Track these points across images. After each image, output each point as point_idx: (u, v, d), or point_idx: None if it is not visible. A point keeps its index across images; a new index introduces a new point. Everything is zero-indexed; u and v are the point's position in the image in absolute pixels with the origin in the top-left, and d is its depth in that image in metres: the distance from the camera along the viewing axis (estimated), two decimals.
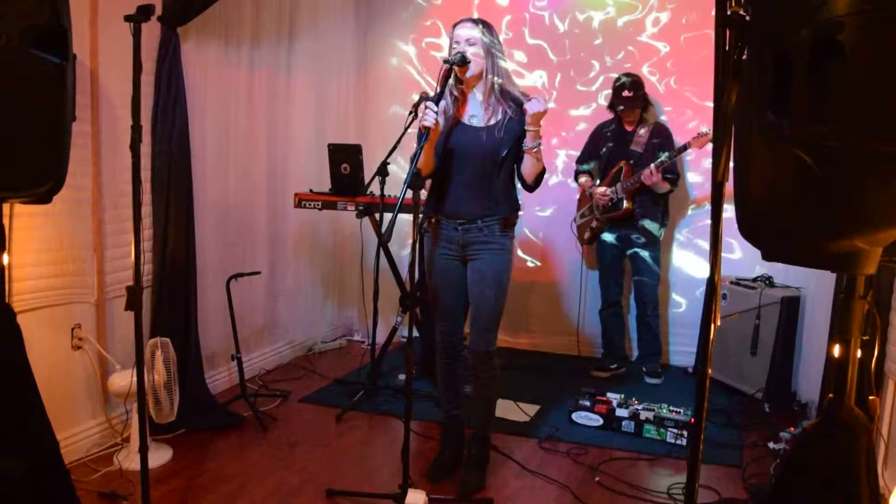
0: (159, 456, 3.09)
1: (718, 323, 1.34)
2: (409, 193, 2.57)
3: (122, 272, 3.22)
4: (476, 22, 2.82)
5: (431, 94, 2.80)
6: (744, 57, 1.29)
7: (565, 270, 4.97)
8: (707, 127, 4.07)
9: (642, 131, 4.30)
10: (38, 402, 2.14)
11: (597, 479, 3.06)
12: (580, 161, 4.57)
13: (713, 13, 1.28)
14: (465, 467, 3.02)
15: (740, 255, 4.53)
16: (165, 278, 3.37)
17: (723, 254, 1.59)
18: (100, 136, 3.06)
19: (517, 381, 4.19)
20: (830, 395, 1.43)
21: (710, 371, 1.40)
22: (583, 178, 4.53)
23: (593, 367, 4.54)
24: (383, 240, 2.70)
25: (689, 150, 4.09)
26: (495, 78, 2.81)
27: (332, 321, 5.27)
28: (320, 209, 4.12)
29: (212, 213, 3.84)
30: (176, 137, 3.35)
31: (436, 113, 2.66)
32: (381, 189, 3.74)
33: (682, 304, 4.78)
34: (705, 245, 4.68)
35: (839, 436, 1.40)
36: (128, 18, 2.22)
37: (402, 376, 4.18)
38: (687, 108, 4.62)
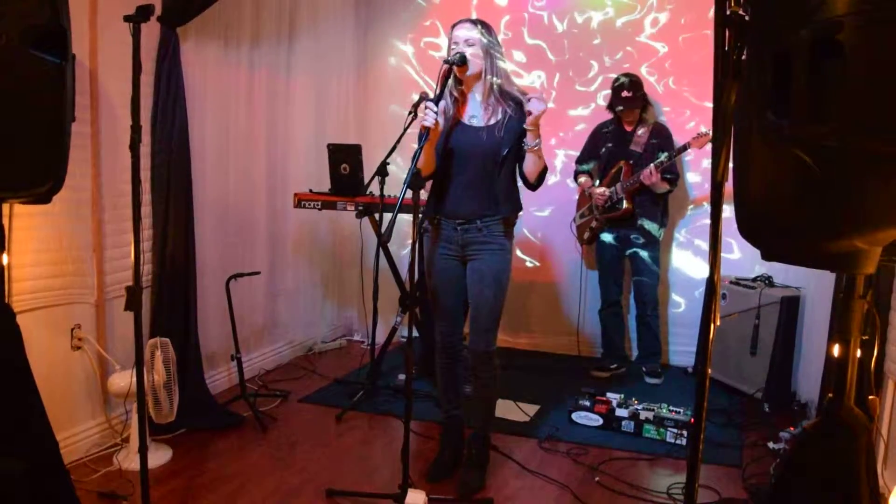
0: (159, 456, 3.09)
1: (718, 323, 1.34)
2: (409, 193, 2.57)
3: (121, 272, 3.22)
4: (475, 22, 2.82)
5: (431, 94, 2.80)
6: (743, 57, 1.29)
7: (565, 270, 4.97)
8: (706, 127, 4.08)
9: (642, 131, 4.30)
10: (38, 402, 2.14)
11: (597, 479, 3.06)
12: (579, 161, 4.57)
13: (711, 14, 1.29)
14: (465, 467, 3.02)
15: (739, 256, 4.53)
16: (165, 278, 3.37)
17: (722, 254, 1.59)
18: (99, 136, 3.06)
19: (517, 381, 4.19)
20: (830, 395, 1.43)
21: (709, 371, 1.41)
22: (582, 178, 4.53)
23: (593, 367, 4.54)
24: (383, 240, 2.70)
25: (688, 151, 4.09)
26: (494, 78, 2.81)
27: (332, 321, 5.27)
28: (320, 209, 4.12)
29: (211, 213, 3.84)
30: (175, 137, 3.35)
31: (436, 113, 2.66)
32: (381, 189, 3.74)
33: (682, 304, 4.78)
34: (704, 245, 4.69)
35: (839, 436, 1.40)
36: (127, 19, 2.22)
37: (401, 376, 4.18)
38: (686, 109, 4.62)
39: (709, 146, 3.88)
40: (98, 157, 3.07)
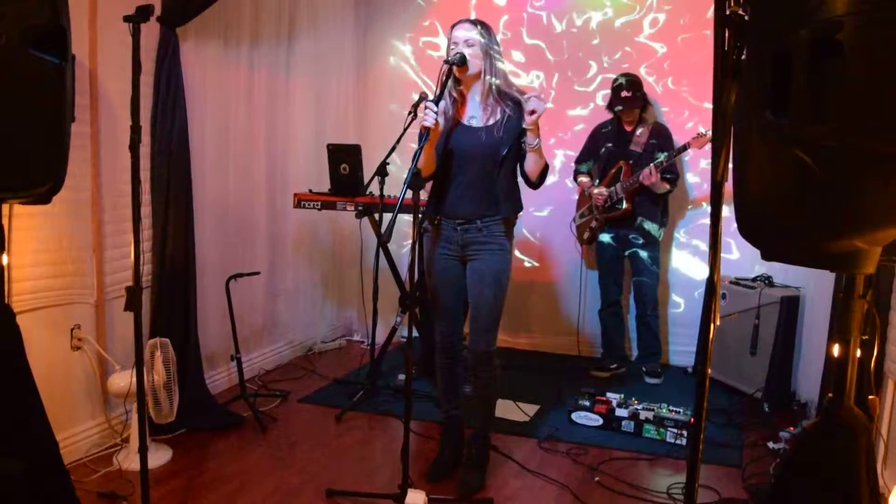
0: (159, 456, 3.09)
1: (718, 323, 1.34)
2: (409, 193, 2.57)
3: (121, 272, 3.22)
4: (474, 23, 2.82)
5: (430, 94, 2.80)
6: (743, 57, 1.29)
7: (565, 270, 4.97)
8: (704, 127, 4.07)
9: (641, 131, 4.30)
10: (38, 402, 2.14)
11: (596, 479, 3.06)
12: (579, 161, 4.57)
13: (710, 15, 1.29)
14: (465, 467, 3.02)
15: (738, 256, 4.53)
16: (165, 279, 3.37)
17: (721, 254, 1.59)
18: (99, 136, 3.06)
19: (517, 381, 4.19)
20: (830, 395, 1.43)
21: (709, 371, 1.41)
22: (582, 178, 4.53)
23: (593, 367, 4.54)
24: (383, 240, 2.70)
25: (687, 151, 4.09)
26: (493, 79, 2.81)
27: (332, 321, 5.27)
28: (320, 209, 4.12)
29: (211, 213, 3.84)
30: (175, 138, 3.35)
31: (436, 113, 2.66)
32: (381, 189, 3.74)
33: (681, 305, 4.78)
34: (703, 245, 4.69)
35: (839, 435, 1.40)
36: (127, 19, 2.22)
37: (401, 376, 4.18)
38: (685, 109, 4.62)
39: (708, 146, 3.89)
40: (98, 157, 3.07)
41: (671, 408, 3.56)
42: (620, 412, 3.56)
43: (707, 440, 3.28)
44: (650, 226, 4.29)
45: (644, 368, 4.45)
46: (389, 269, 4.08)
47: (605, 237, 4.43)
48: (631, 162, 4.26)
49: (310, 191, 4.20)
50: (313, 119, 4.77)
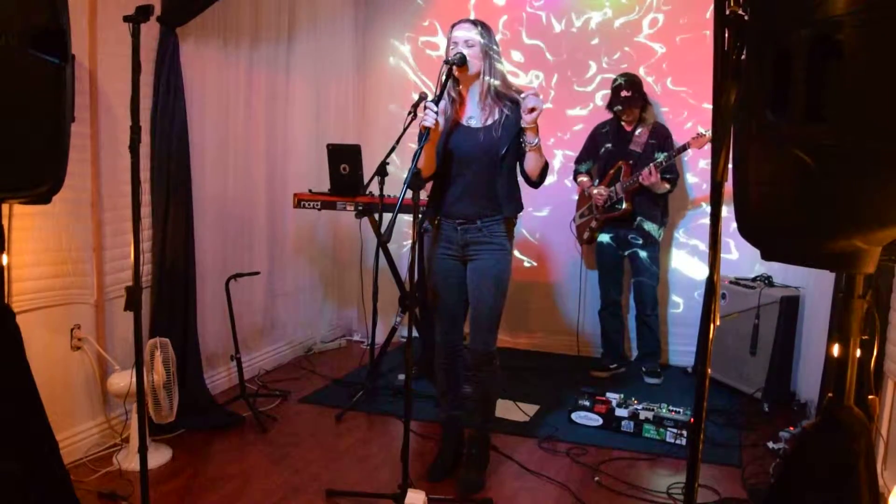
0: (159, 456, 3.09)
1: (718, 323, 1.34)
2: (409, 193, 2.57)
3: (121, 272, 3.22)
4: (474, 23, 2.82)
5: (430, 94, 2.80)
6: (742, 57, 1.29)
7: (564, 270, 4.97)
8: (704, 127, 4.07)
9: (641, 131, 4.30)
10: (38, 402, 2.14)
11: (596, 479, 3.06)
12: (578, 161, 4.57)
13: (708, 15, 1.29)
14: (465, 467, 3.02)
15: (737, 256, 4.54)
16: (165, 279, 3.37)
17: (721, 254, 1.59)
18: (99, 136, 3.06)
19: (517, 381, 4.19)
20: (830, 395, 1.43)
21: (709, 371, 1.41)
22: (582, 178, 4.53)
23: (593, 367, 4.54)
24: (383, 240, 2.70)
25: (687, 151, 4.09)
26: (491, 80, 2.82)
27: (332, 321, 5.27)
28: (319, 209, 4.12)
29: (211, 213, 3.84)
30: (175, 138, 3.34)
31: (436, 113, 2.66)
32: (381, 189, 3.74)
33: (680, 305, 4.78)
34: (702, 246, 4.69)
35: (839, 435, 1.40)
36: (127, 19, 2.21)
37: (401, 376, 4.18)
38: (684, 109, 4.62)
39: (708, 146, 3.89)
40: (98, 157, 3.06)
41: (671, 408, 3.56)
42: (620, 412, 3.56)
43: (707, 440, 3.29)
44: (650, 226, 4.29)
45: (644, 368, 4.45)
46: (389, 269, 4.08)
47: (605, 237, 4.43)
48: (631, 162, 4.26)
49: (310, 191, 4.20)
50: (313, 119, 4.77)
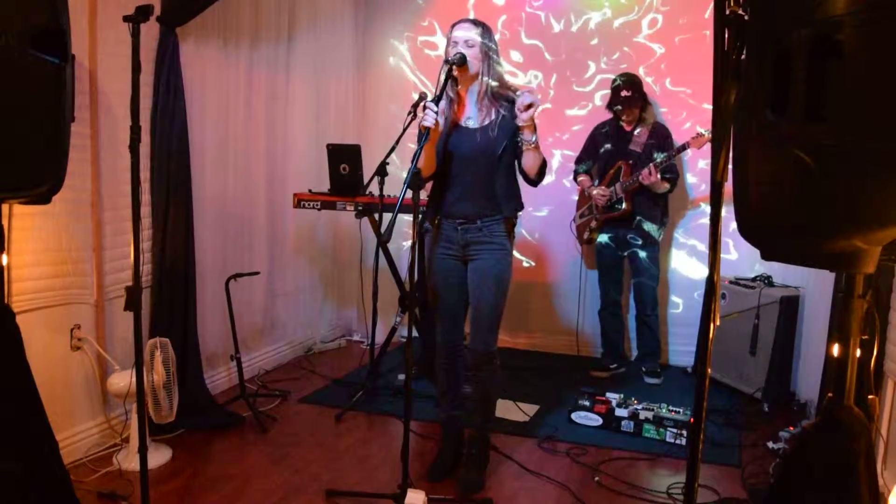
0: (159, 456, 3.09)
1: (718, 323, 1.34)
2: (409, 193, 2.57)
3: (121, 272, 3.22)
4: (475, 23, 2.82)
5: (430, 94, 2.80)
6: (742, 57, 1.29)
7: (564, 270, 4.97)
8: (702, 127, 4.06)
9: (640, 131, 4.30)
10: (38, 402, 2.14)
11: (596, 478, 3.06)
12: (578, 161, 4.57)
13: (706, 16, 1.29)
14: (465, 467, 3.02)
15: (736, 256, 4.54)
16: (165, 278, 3.37)
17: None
18: (99, 136, 3.06)
19: (517, 381, 4.19)
20: (830, 395, 1.43)
21: (709, 371, 1.41)
22: (582, 178, 4.53)
23: (593, 367, 4.54)
24: (383, 240, 2.70)
25: (686, 151, 4.09)
26: (489, 80, 2.82)
27: (332, 321, 5.27)
28: (319, 209, 4.12)
29: (211, 212, 3.84)
30: (175, 138, 3.34)
31: (436, 113, 2.66)
32: (381, 189, 3.75)
33: (680, 305, 4.78)
34: (700, 246, 4.69)
35: (839, 435, 1.41)
36: (126, 19, 2.21)
37: (401, 376, 4.18)
38: (683, 110, 4.62)
39: (707, 146, 3.89)
40: (98, 157, 3.06)
41: (671, 408, 3.56)
42: (620, 412, 3.56)
43: (707, 440, 3.29)
44: (649, 226, 4.29)
45: (643, 368, 4.45)
46: (389, 269, 4.08)
47: (604, 237, 4.43)
48: (630, 162, 4.26)
49: (309, 191, 4.20)
50: (313, 119, 4.77)
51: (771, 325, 3.96)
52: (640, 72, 4.61)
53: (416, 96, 3.27)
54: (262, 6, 4.16)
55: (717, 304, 1.34)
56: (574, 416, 3.66)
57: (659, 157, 4.11)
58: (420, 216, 2.75)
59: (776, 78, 1.21)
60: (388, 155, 3.68)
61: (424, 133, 2.65)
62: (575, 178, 4.60)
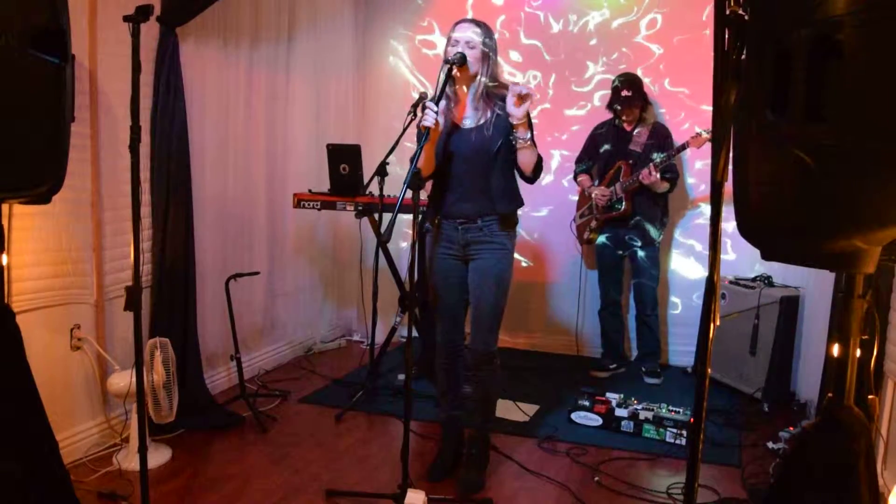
0: (158, 456, 3.09)
1: (718, 323, 1.34)
2: (409, 193, 2.57)
3: (121, 272, 3.22)
4: (476, 24, 2.83)
5: (430, 94, 2.80)
6: (742, 57, 1.29)
7: (564, 270, 4.97)
8: (700, 128, 4.06)
9: (639, 131, 4.30)
10: (38, 402, 2.14)
11: (596, 478, 3.06)
12: (578, 161, 4.57)
13: (705, 17, 1.29)
14: (465, 467, 3.02)
15: (734, 256, 4.54)
16: (165, 278, 3.37)
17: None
18: (99, 136, 3.06)
19: (516, 381, 4.19)
20: (830, 395, 1.43)
21: (709, 371, 1.41)
22: (582, 177, 4.53)
23: (592, 367, 4.54)
24: (383, 240, 2.70)
25: (686, 150, 4.09)
26: (486, 81, 2.82)
27: (332, 321, 5.27)
28: (319, 209, 4.12)
29: (211, 212, 3.84)
30: (175, 138, 3.34)
31: (436, 113, 2.66)
32: (381, 189, 3.75)
33: (679, 305, 4.78)
34: (698, 246, 4.69)
35: (838, 435, 1.41)
36: (126, 19, 2.21)
37: (401, 376, 4.18)
38: (681, 111, 4.62)
39: (707, 146, 3.89)
40: (98, 157, 3.06)
41: (671, 408, 3.56)
42: (620, 412, 3.56)
43: (707, 440, 3.29)
44: (649, 227, 4.29)
45: (643, 368, 4.45)
46: (389, 269, 4.08)
47: (606, 238, 4.43)
48: (630, 162, 4.26)
49: (309, 191, 4.20)
50: (313, 119, 4.77)
51: (771, 325, 3.96)
52: (639, 72, 4.61)
53: (416, 96, 3.27)
54: (262, 6, 4.16)
55: (717, 304, 1.34)
56: (574, 416, 3.66)
57: (658, 156, 4.11)
58: (420, 216, 2.75)
59: (776, 78, 1.21)
60: (388, 155, 3.68)
61: (424, 133, 2.65)
62: (575, 178, 4.60)
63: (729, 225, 3.96)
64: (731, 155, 1.34)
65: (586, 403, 3.67)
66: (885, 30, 1.09)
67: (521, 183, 2.95)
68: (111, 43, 3.02)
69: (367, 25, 5.28)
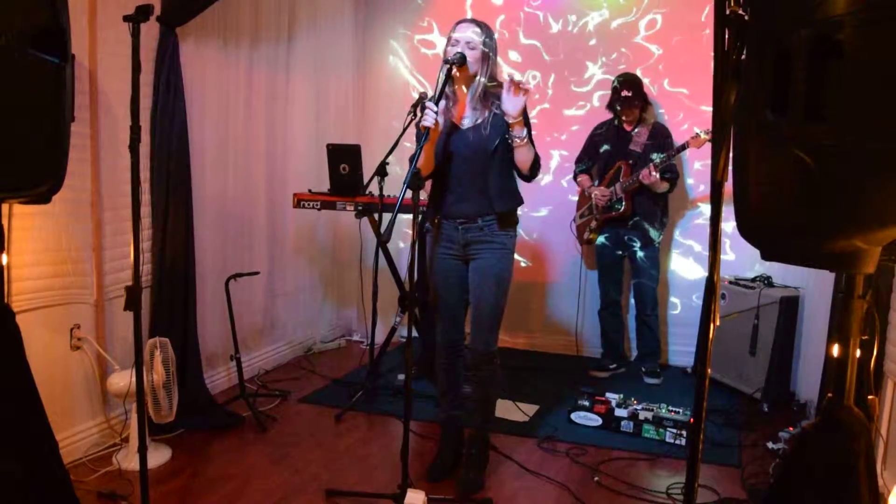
0: (158, 456, 3.09)
1: (718, 323, 1.34)
2: (409, 193, 2.57)
3: (121, 272, 3.22)
4: (476, 24, 2.83)
5: (429, 94, 2.80)
6: (742, 57, 1.29)
7: (564, 270, 4.97)
8: (699, 128, 4.06)
9: (641, 131, 4.30)
10: (37, 402, 2.14)
11: (596, 479, 3.06)
12: (578, 161, 4.57)
13: (703, 17, 1.29)
14: (465, 467, 3.02)
15: (733, 257, 4.54)
16: (164, 278, 3.37)
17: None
18: (99, 136, 3.06)
19: (517, 381, 4.19)
20: (829, 395, 1.43)
21: (709, 371, 1.41)
22: (582, 177, 4.53)
23: (592, 367, 4.54)
24: (382, 240, 2.70)
25: (685, 150, 4.09)
26: (485, 81, 2.82)
27: (331, 321, 5.27)
28: (319, 209, 4.12)
29: (211, 212, 3.84)
30: (175, 137, 3.34)
31: (436, 113, 2.67)
32: (380, 189, 3.75)
33: (678, 305, 4.78)
34: (697, 246, 4.69)
35: (838, 435, 1.41)
36: (126, 19, 2.21)
37: (401, 376, 4.18)
38: (680, 111, 4.62)
39: (707, 146, 3.89)
40: (98, 157, 3.06)
41: (670, 408, 3.56)
42: (620, 412, 3.56)
43: (707, 440, 3.29)
44: (649, 227, 4.29)
45: (643, 368, 4.45)
46: (389, 269, 4.08)
47: (606, 238, 4.43)
48: (630, 162, 4.26)
49: (309, 191, 4.20)
50: (313, 119, 4.77)
51: (771, 326, 3.96)
52: (638, 73, 4.61)
53: (415, 96, 3.27)
54: (262, 6, 4.16)
55: (717, 305, 1.34)
56: (574, 416, 3.66)
57: (658, 157, 4.11)
58: (420, 216, 2.75)
59: (776, 78, 1.21)
60: (388, 155, 3.68)
61: (424, 133, 2.65)
62: (574, 178, 4.60)
63: (729, 225, 3.96)
64: (731, 155, 1.34)
65: (586, 403, 3.67)
66: (885, 30, 1.09)
67: (520, 183, 2.95)
68: (111, 43, 3.02)
69: (367, 25, 5.28)
